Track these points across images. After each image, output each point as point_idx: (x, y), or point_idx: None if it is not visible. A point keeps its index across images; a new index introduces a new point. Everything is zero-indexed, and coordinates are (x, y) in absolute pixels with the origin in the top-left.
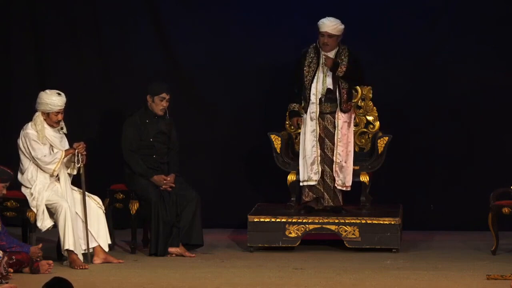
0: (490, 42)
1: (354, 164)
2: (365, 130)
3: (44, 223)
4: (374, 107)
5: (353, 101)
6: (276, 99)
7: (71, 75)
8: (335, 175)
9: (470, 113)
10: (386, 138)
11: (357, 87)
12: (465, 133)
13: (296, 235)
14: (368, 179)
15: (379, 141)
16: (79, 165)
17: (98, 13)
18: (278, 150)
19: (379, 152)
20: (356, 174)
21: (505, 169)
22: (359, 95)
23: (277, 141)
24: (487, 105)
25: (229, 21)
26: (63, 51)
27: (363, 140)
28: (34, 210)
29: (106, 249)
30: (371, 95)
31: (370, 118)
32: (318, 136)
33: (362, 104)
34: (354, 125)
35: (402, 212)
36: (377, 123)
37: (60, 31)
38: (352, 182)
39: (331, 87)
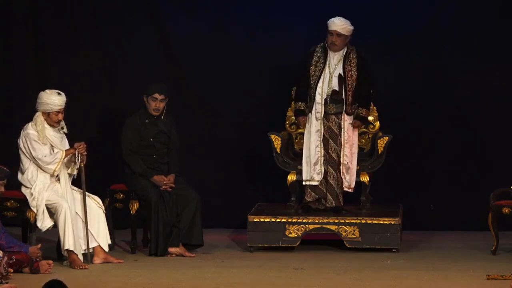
0: (490, 43)
1: None
2: (365, 130)
3: (44, 223)
4: (374, 107)
5: None
6: (276, 99)
7: (71, 75)
8: (342, 176)
9: (470, 113)
10: (386, 138)
11: None
12: (465, 133)
13: (296, 235)
14: (368, 179)
15: (379, 141)
16: (79, 165)
17: (98, 13)
18: (278, 150)
19: (379, 152)
20: (356, 174)
21: (505, 169)
22: None
23: (277, 141)
24: (487, 105)
25: (229, 21)
26: (63, 51)
27: (363, 140)
28: (34, 210)
29: (106, 249)
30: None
31: (370, 118)
32: (322, 136)
33: None
34: None
35: (402, 212)
36: (377, 123)
37: (60, 31)
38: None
39: (336, 88)
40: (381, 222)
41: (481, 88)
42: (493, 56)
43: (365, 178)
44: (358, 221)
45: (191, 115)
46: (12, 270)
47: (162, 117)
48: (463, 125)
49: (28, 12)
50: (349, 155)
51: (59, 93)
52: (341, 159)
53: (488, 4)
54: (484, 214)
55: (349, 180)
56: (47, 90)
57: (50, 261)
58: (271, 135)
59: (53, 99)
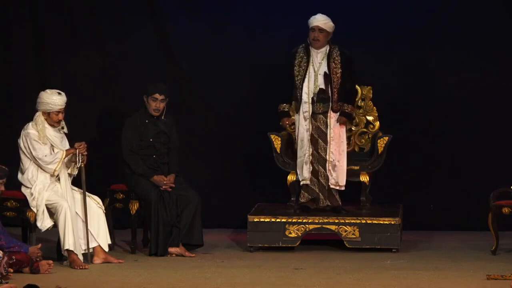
0: (490, 42)
1: (354, 164)
2: (365, 130)
3: (44, 223)
4: (374, 107)
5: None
6: (277, 99)
7: (71, 75)
8: (328, 174)
9: (470, 112)
10: (386, 138)
11: (357, 86)
12: (465, 133)
13: (296, 235)
14: (368, 179)
15: (379, 141)
16: (79, 165)
17: (98, 13)
18: (278, 150)
19: (379, 152)
20: (356, 174)
21: (505, 169)
22: (359, 95)
23: (277, 141)
24: (487, 105)
25: (230, 21)
26: (63, 51)
27: (363, 140)
28: (34, 210)
29: (106, 249)
30: (371, 95)
31: (370, 118)
32: (310, 136)
33: (362, 104)
34: (354, 125)
35: (402, 212)
36: (377, 123)
37: (60, 31)
38: (352, 182)
39: (323, 86)
40: (381, 222)
41: (481, 88)
42: (493, 56)
43: (365, 178)
44: (358, 221)
45: (191, 115)
46: (12, 270)
47: (162, 117)
48: (463, 125)
49: (28, 12)
50: (336, 152)
51: (59, 93)
52: (327, 156)
53: (488, 4)
54: (484, 214)
55: (336, 178)
56: (47, 90)
57: (50, 261)
58: (271, 135)
59: (53, 99)
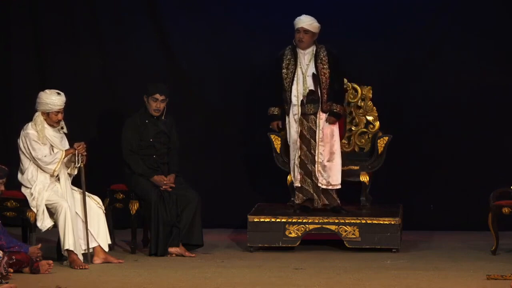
0: (491, 42)
1: (354, 164)
2: (365, 130)
3: (44, 223)
4: (374, 107)
5: (352, 101)
6: (276, 100)
7: (71, 75)
8: (318, 174)
9: (470, 113)
10: (386, 138)
11: (357, 87)
12: (465, 133)
13: (296, 235)
14: (368, 179)
15: (379, 141)
16: (79, 165)
17: (98, 13)
18: (278, 150)
19: (379, 152)
20: (356, 174)
21: (505, 169)
22: (359, 95)
23: (277, 141)
24: (487, 105)
25: (230, 21)
26: (63, 51)
27: (363, 140)
28: (34, 210)
29: (106, 249)
30: (371, 95)
31: (370, 118)
32: (301, 137)
33: (362, 104)
34: (354, 125)
35: (402, 212)
36: (377, 123)
37: (60, 31)
38: (352, 182)
39: (312, 88)
40: (381, 222)
41: (481, 88)
42: (493, 56)
43: (365, 178)
44: (358, 221)
45: (191, 115)
46: (12, 270)
47: (162, 117)
48: (463, 125)
49: (28, 12)
50: (325, 153)
51: (58, 93)
52: (316, 157)
53: (488, 4)
54: (484, 214)
55: (326, 178)
56: (46, 90)
57: (50, 261)
58: (271, 135)
59: (52, 99)
